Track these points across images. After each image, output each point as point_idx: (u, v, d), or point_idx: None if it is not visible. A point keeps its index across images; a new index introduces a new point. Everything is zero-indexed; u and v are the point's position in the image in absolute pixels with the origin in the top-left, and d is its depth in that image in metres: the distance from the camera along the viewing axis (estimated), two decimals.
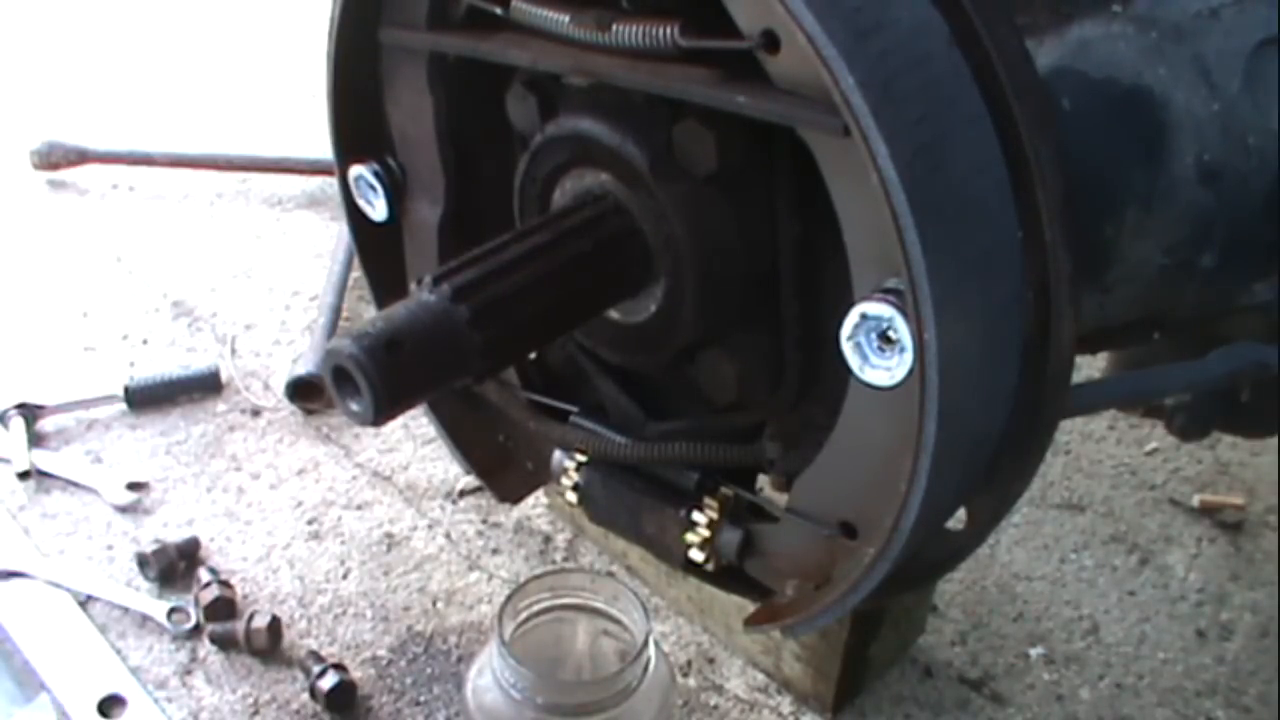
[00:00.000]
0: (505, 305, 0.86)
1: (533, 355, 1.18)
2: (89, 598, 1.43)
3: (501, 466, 1.28)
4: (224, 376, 1.81)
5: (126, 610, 1.42)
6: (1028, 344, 0.83)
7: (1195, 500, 1.63)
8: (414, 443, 1.71)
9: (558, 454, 1.12)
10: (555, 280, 0.90)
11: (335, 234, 2.12)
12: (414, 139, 1.11)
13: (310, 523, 1.57)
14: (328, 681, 1.30)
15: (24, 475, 1.59)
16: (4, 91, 2.64)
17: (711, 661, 1.40)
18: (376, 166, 1.13)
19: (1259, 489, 1.65)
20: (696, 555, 1.01)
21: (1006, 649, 1.43)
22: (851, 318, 0.78)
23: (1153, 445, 1.73)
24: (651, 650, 1.11)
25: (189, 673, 1.36)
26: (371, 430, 1.71)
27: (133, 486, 1.59)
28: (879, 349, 0.78)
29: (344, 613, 1.44)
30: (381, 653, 1.39)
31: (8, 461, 1.61)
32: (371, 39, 1.07)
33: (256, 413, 1.76)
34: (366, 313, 1.85)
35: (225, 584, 1.42)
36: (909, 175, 0.71)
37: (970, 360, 0.77)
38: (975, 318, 0.77)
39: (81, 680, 1.32)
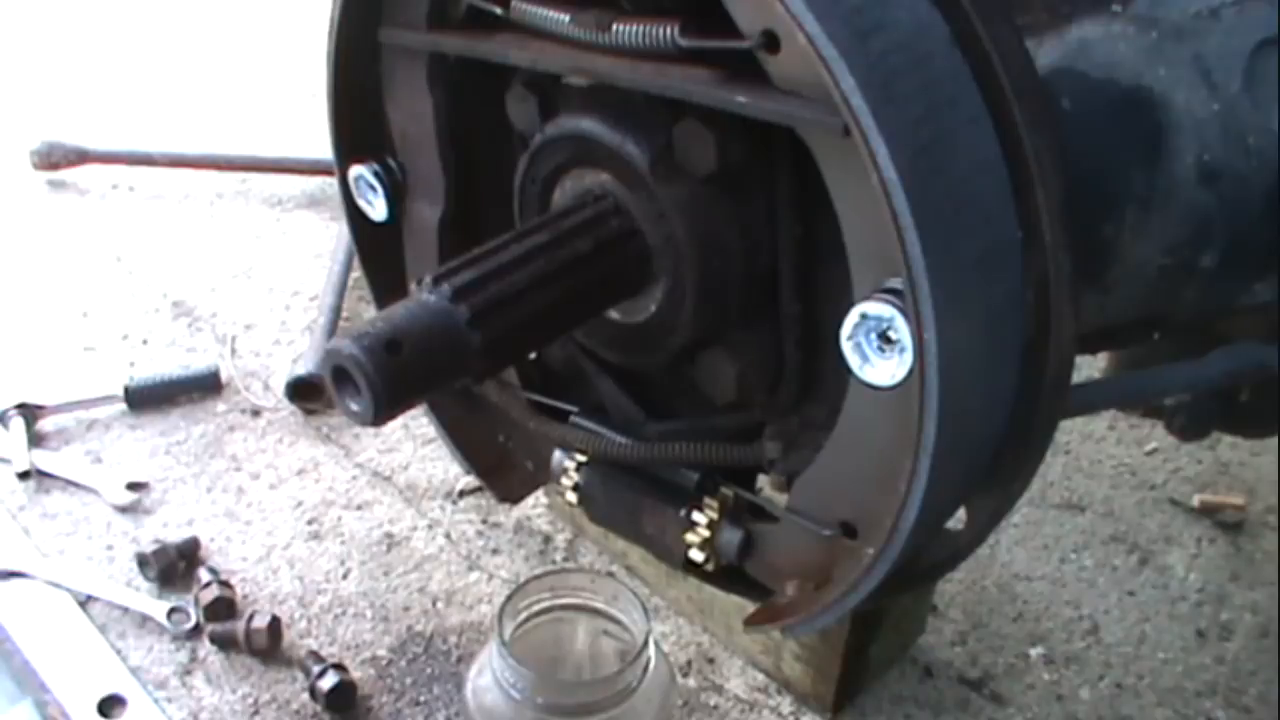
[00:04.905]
0: (505, 305, 0.86)
1: (533, 355, 1.18)
2: (89, 598, 1.43)
3: (501, 466, 1.28)
4: (224, 376, 1.81)
5: (126, 610, 1.42)
6: (1028, 344, 0.83)
7: (1195, 500, 1.63)
8: (414, 443, 1.71)
9: (558, 454, 1.12)
10: (555, 280, 0.90)
11: (335, 234, 2.12)
12: (414, 139, 1.11)
13: (310, 523, 1.57)
14: (328, 681, 1.30)
15: (24, 475, 1.59)
16: (4, 91, 2.64)
17: (711, 661, 1.40)
18: (376, 166, 1.13)
19: (1259, 489, 1.65)
20: (696, 555, 1.01)
21: (1006, 649, 1.43)
22: (851, 318, 0.78)
23: (1153, 445, 1.74)
24: (651, 650, 1.11)
25: (189, 673, 1.36)
26: (371, 430, 1.71)
27: (133, 486, 1.59)
28: (879, 349, 0.78)
29: (344, 613, 1.44)
30: (381, 653, 1.39)
31: (8, 461, 1.61)
32: (371, 39, 1.07)
33: (256, 413, 1.76)
34: (366, 313, 1.85)
35: (225, 584, 1.42)
36: (909, 175, 0.71)
37: (970, 360, 0.77)
38: (975, 318, 0.77)
39: (81, 680, 1.33)
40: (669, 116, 0.89)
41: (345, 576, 1.49)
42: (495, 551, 1.54)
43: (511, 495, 1.30)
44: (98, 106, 2.58)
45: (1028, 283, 0.81)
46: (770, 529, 0.98)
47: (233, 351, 1.89)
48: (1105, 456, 1.72)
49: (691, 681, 1.37)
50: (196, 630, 1.39)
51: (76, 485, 1.60)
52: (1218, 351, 1.04)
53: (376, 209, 1.14)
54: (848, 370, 0.80)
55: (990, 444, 0.86)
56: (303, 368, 1.74)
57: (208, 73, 2.76)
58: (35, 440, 1.66)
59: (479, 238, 0.92)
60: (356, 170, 1.13)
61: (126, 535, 1.53)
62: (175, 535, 1.51)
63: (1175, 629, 1.46)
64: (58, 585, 1.44)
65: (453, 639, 1.42)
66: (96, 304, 1.99)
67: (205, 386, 1.78)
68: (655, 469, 1.05)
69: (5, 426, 1.66)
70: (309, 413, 1.75)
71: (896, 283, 0.75)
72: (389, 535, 1.56)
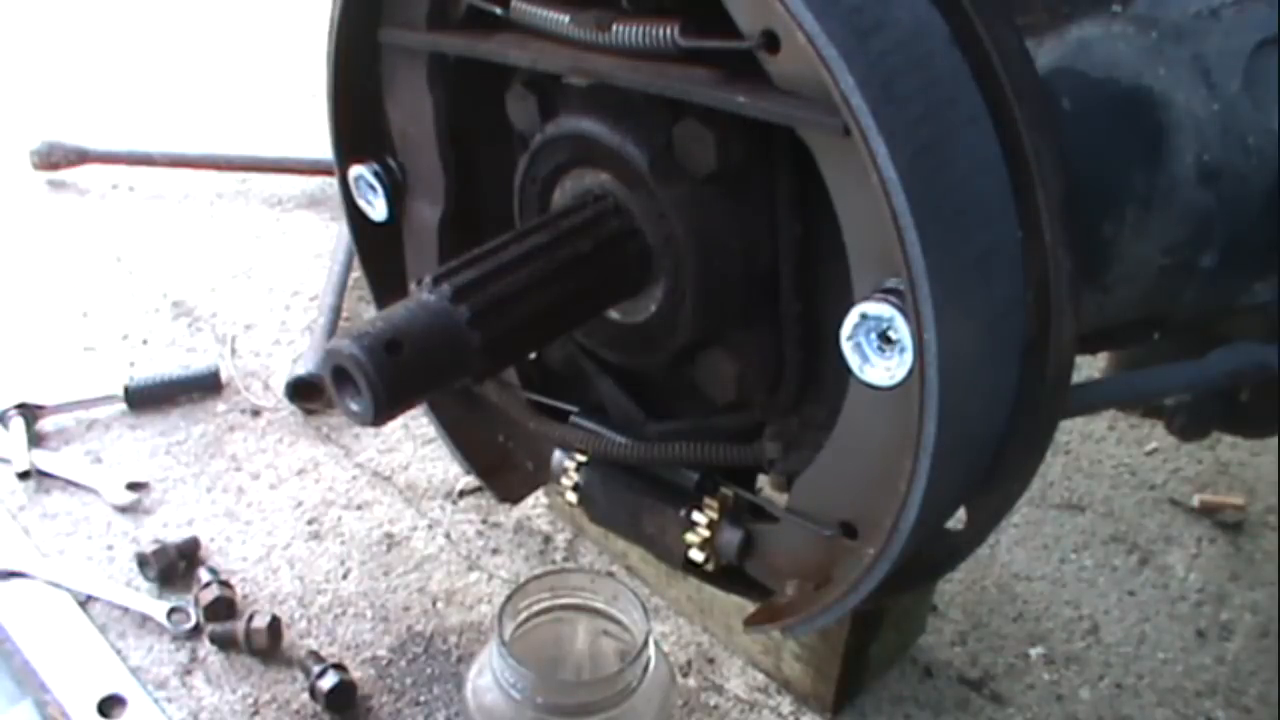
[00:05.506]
0: (505, 305, 0.86)
1: (533, 355, 1.18)
2: (89, 598, 1.43)
3: (501, 466, 1.28)
4: (224, 376, 1.81)
5: (126, 610, 1.42)
6: (1028, 344, 0.83)
7: (1195, 500, 1.63)
8: (414, 443, 1.71)
9: (558, 454, 1.12)
10: (555, 280, 0.90)
11: (335, 234, 2.12)
12: (414, 139, 1.11)
13: (310, 523, 1.57)
14: (328, 681, 1.30)
15: (24, 475, 1.59)
16: (4, 91, 2.64)
17: (711, 661, 1.40)
18: (376, 166, 1.13)
19: (1259, 489, 1.65)
20: (696, 555, 1.01)
21: (1006, 649, 1.43)
22: (851, 318, 0.78)
23: (1153, 445, 1.74)
24: (651, 650, 1.11)
25: (189, 673, 1.36)
26: (371, 430, 1.71)
27: (133, 486, 1.59)
28: (879, 349, 0.78)
29: (344, 613, 1.44)
30: (381, 653, 1.39)
31: (8, 461, 1.61)
32: (371, 39, 1.07)
33: (256, 413, 1.76)
34: (366, 313, 1.85)
35: (225, 584, 1.42)
36: (909, 175, 0.71)
37: (970, 360, 0.77)
38: (975, 318, 0.77)
39: (81, 680, 1.33)
40: (669, 116, 0.89)
41: (345, 576, 1.49)
42: (495, 551, 1.54)
43: (511, 495, 1.30)
44: (98, 106, 2.58)
45: (1028, 283, 0.81)
46: (770, 529, 0.98)
47: (233, 351, 1.89)
48: (1105, 456, 1.72)
49: (691, 681, 1.37)
50: (196, 630, 1.39)
51: (76, 485, 1.60)
52: (1218, 351, 1.04)
53: (376, 209, 1.15)
54: (848, 370, 0.80)
55: (990, 444, 0.86)
56: (303, 368, 1.74)
57: (208, 73, 2.75)
58: (35, 440, 1.66)
59: (479, 238, 0.92)
60: (356, 170, 1.13)
61: (126, 535, 1.53)
62: (175, 535, 1.51)
63: (1175, 629, 1.46)
64: (58, 585, 1.44)
65: (453, 639, 1.42)
66: (96, 304, 1.99)
67: (205, 386, 1.78)
68: (655, 469, 1.05)
69: (5, 426, 1.66)
70: (309, 413, 1.75)
71: (896, 283, 0.75)
72: (389, 535, 1.56)
